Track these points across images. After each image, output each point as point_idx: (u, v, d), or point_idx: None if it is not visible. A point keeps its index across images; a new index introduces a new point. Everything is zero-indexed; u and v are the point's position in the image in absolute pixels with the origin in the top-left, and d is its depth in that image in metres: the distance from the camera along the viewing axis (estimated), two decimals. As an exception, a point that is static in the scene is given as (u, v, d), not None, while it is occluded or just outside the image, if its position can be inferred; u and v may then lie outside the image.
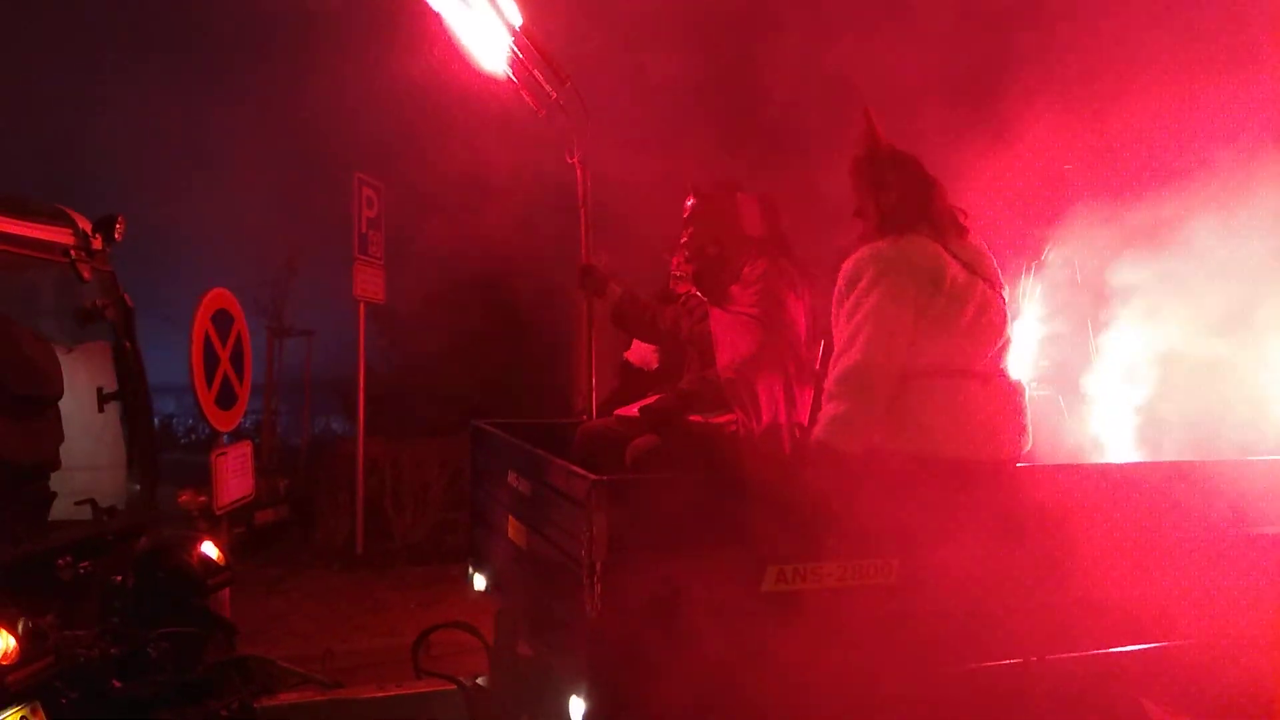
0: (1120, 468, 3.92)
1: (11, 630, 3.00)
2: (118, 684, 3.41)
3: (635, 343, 4.84)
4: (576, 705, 3.04)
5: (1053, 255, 4.29)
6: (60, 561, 3.50)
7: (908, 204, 3.27)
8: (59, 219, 3.80)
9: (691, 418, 3.64)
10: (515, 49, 3.97)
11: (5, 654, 2.97)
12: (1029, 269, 4.36)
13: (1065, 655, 3.31)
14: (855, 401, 3.18)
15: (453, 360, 8.46)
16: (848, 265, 3.30)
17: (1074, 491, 3.29)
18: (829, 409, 3.23)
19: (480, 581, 4.33)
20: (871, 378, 3.17)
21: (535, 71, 4.01)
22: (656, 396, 3.88)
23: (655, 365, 4.79)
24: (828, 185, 3.50)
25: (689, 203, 3.93)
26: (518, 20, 3.93)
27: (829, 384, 3.27)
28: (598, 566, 2.91)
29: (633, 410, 3.83)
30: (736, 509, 3.03)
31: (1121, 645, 3.38)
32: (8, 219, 3.56)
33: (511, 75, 4.01)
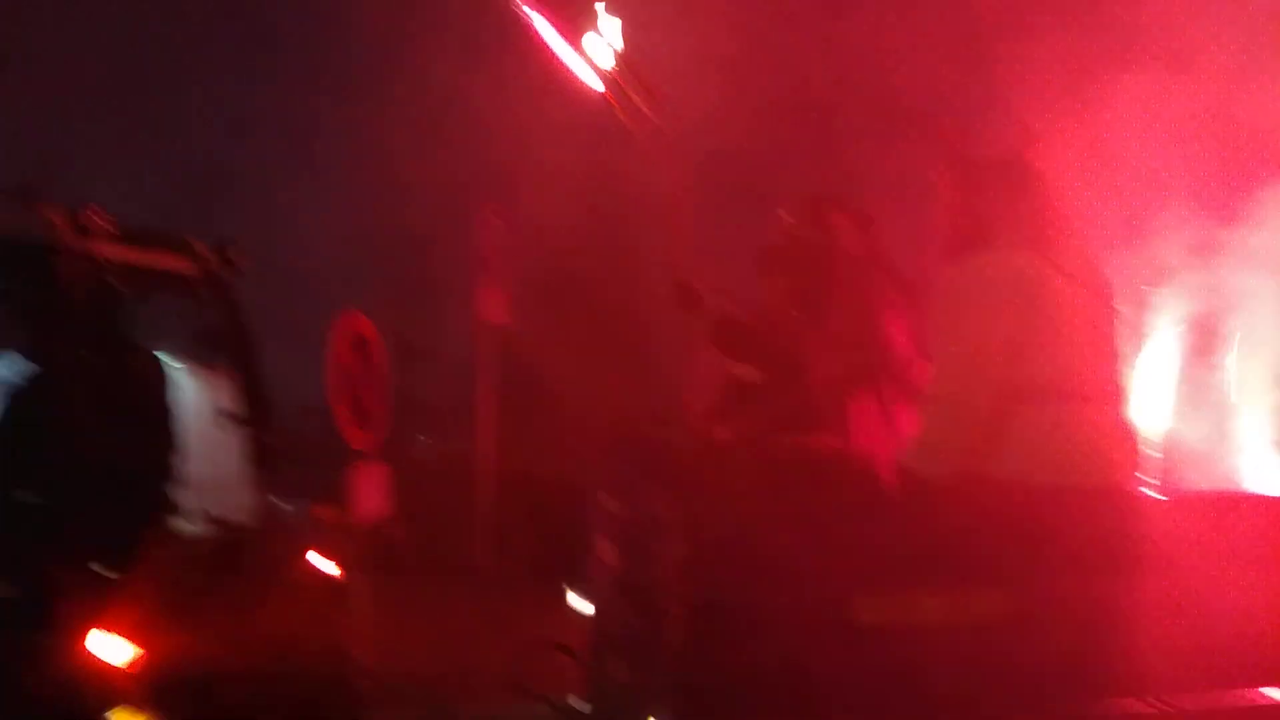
0: (1252, 497, 3.56)
1: (132, 633, 3.19)
2: (230, 691, 3.57)
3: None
4: (661, 734, 2.99)
5: (1181, 265, 3.97)
6: (180, 571, 3.70)
7: (1006, 212, 3.09)
8: (184, 247, 4.05)
9: (781, 440, 3.55)
10: (613, 73, 4.01)
11: (125, 658, 3.16)
12: (1153, 281, 4.05)
13: (1192, 702, 3.01)
14: (947, 423, 3.02)
15: (575, 378, 8.60)
16: (943, 279, 3.16)
17: (1200, 521, 3.01)
18: (921, 431, 3.10)
19: (580, 601, 4.33)
20: (965, 398, 3.01)
21: (632, 93, 4.04)
22: (749, 416, 3.82)
23: (759, 380, 4.71)
24: (923, 196, 3.36)
25: (781, 216, 3.86)
26: (616, 46, 3.97)
27: (921, 405, 3.14)
28: (677, 592, 2.86)
29: (721, 431, 3.77)
30: (827, 535, 2.92)
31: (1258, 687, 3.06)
32: (137, 249, 3.82)
33: (609, 95, 4.05)
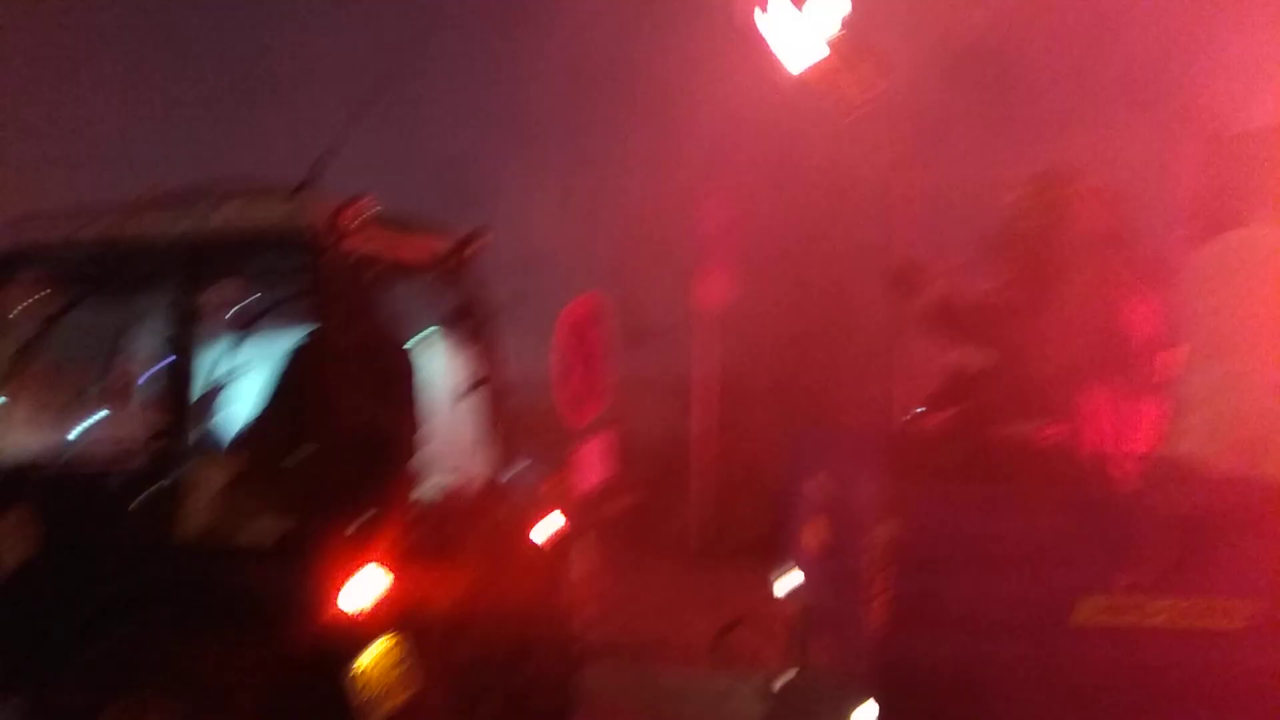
0: None
1: (383, 576, 3.57)
2: (464, 635, 3.92)
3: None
4: (864, 715, 2.99)
5: None
6: (422, 525, 4.09)
7: (1259, 190, 2.81)
8: (435, 234, 4.44)
9: (1000, 429, 3.40)
10: (831, 51, 3.97)
11: (378, 596, 3.54)
12: None
13: None
14: (1208, 417, 2.80)
15: (795, 360, 8.58)
16: (1192, 262, 2.92)
17: None
18: (1176, 423, 2.88)
19: (788, 581, 4.38)
20: (1224, 390, 2.78)
21: (848, 74, 3.98)
22: (968, 404, 3.68)
23: (982, 367, 4.52)
24: (1172, 176, 3.11)
25: (1012, 195, 3.68)
26: (836, 25, 3.93)
27: (1173, 396, 2.92)
28: (884, 576, 2.85)
29: (936, 419, 3.67)
30: (1049, 529, 2.80)
31: None
32: (396, 236, 4.23)
33: (826, 76, 4.01)
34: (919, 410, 4.27)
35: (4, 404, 4.31)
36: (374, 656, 3.48)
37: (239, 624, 3.42)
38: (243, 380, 4.73)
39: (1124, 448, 3.22)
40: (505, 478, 4.75)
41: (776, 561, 4.53)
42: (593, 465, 7.12)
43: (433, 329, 4.73)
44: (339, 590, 3.42)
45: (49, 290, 4.43)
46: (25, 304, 4.31)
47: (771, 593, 4.50)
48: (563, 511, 5.69)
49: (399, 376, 4.30)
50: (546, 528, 4.71)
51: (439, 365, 4.59)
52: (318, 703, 3.42)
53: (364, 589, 3.46)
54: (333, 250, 3.75)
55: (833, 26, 3.85)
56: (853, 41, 3.78)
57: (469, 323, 4.63)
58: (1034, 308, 3.53)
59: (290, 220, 3.73)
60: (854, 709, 3.00)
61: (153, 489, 3.77)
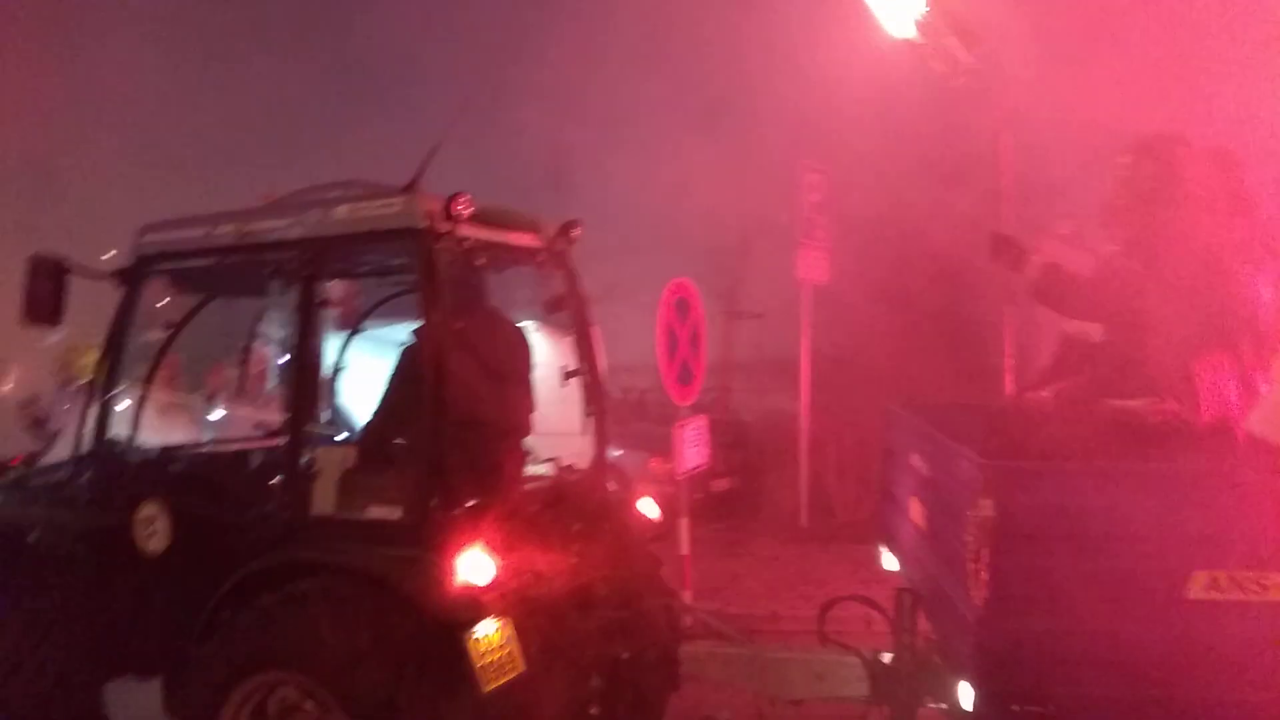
0: None
1: (493, 557, 3.72)
2: (568, 614, 4.06)
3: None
4: (965, 692, 2.99)
5: None
6: (530, 509, 4.24)
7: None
8: (532, 226, 4.56)
9: (1111, 403, 3.32)
10: (927, 11, 3.89)
11: (488, 576, 3.69)
12: None
13: None
14: None
15: (896, 338, 8.45)
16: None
17: None
18: None
19: (890, 560, 4.37)
20: None
21: (948, 37, 3.90)
22: (1081, 378, 3.59)
23: (1097, 339, 4.39)
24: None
25: (1123, 160, 3.55)
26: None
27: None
28: (985, 553, 2.83)
29: (1046, 393, 3.59)
30: (1161, 504, 2.74)
31: None
32: (497, 228, 4.37)
33: (924, 39, 3.93)
34: (1028, 385, 4.19)
35: (145, 397, 4.65)
36: (486, 634, 3.63)
37: (362, 600, 3.62)
38: (363, 370, 4.98)
39: (1239, 422, 3.10)
40: (610, 460, 4.85)
41: (882, 540, 4.52)
42: (697, 446, 7.21)
43: (536, 316, 4.88)
44: (453, 570, 3.58)
45: (184, 290, 4.76)
46: (163, 303, 4.65)
47: (876, 572, 4.49)
48: (667, 491, 5.78)
49: (507, 363, 4.45)
50: (651, 508, 4.80)
51: (543, 352, 4.73)
52: (435, 676, 3.58)
53: (476, 569, 3.61)
54: (440, 243, 3.91)
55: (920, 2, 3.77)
56: (945, 11, 3.70)
57: (570, 309, 4.75)
58: (1148, 276, 3.40)
59: (400, 217, 3.91)
60: (957, 684, 3.00)
61: (283, 474, 4.03)
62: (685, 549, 6.82)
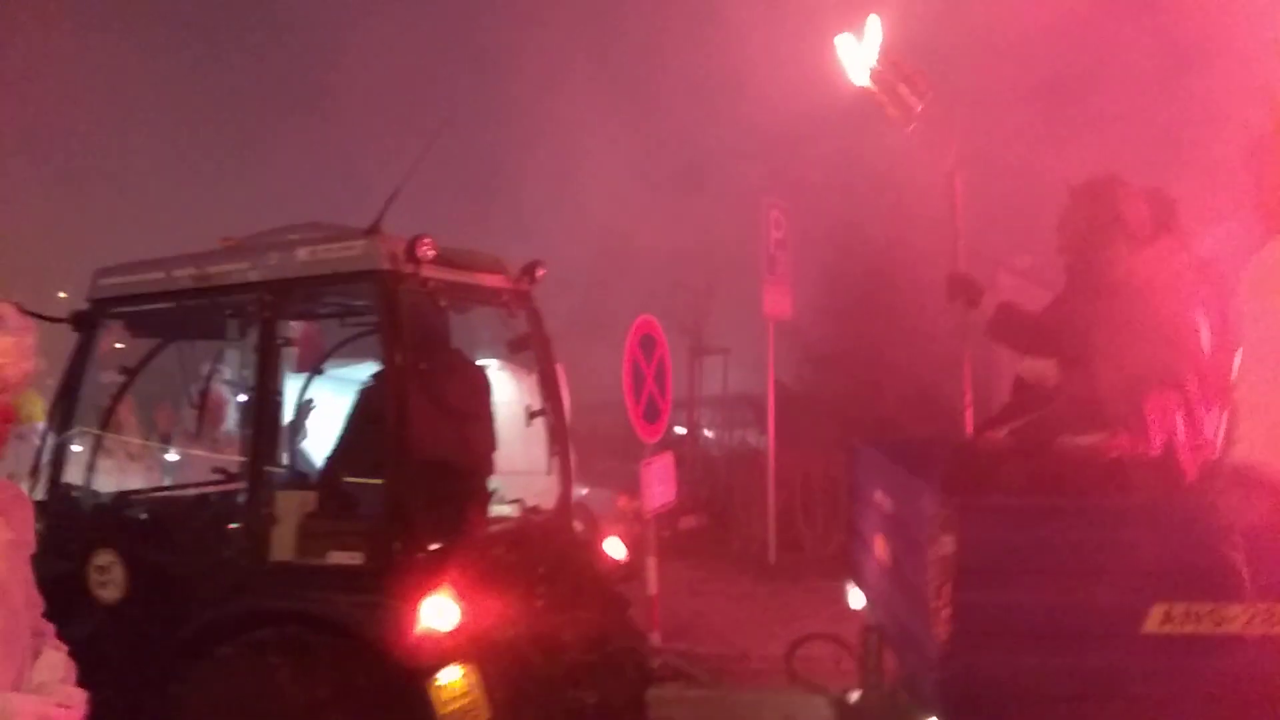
0: None
1: (458, 601, 3.68)
2: (535, 659, 4.02)
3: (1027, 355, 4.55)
4: (931, 732, 2.99)
5: None
6: (494, 550, 4.21)
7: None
8: (495, 267, 4.58)
9: (1063, 440, 3.36)
10: (878, 65, 3.98)
11: (453, 621, 3.65)
12: None
13: None
14: (1266, 422, 2.75)
15: (857, 374, 8.54)
16: (1252, 265, 2.86)
17: None
18: (1251, 427, 2.82)
19: (857, 597, 4.37)
20: None
21: (899, 86, 3.98)
22: (1032, 416, 3.64)
23: (1045, 378, 4.46)
24: (1224, 177, 3.06)
25: (1066, 199, 3.64)
26: (878, 38, 3.95)
27: (1246, 399, 2.86)
28: (946, 589, 2.84)
29: (1001, 431, 3.64)
30: (1115, 538, 2.78)
31: None
32: (460, 269, 4.38)
33: (877, 89, 4.02)
34: (985, 424, 4.24)
35: (100, 442, 4.57)
36: (450, 681, 3.58)
37: (323, 649, 3.57)
38: (323, 412, 4.94)
39: (1188, 455, 3.16)
40: (576, 499, 4.84)
41: (849, 577, 4.52)
42: (664, 483, 7.19)
43: (498, 357, 4.87)
44: (415, 615, 3.53)
45: (140, 333, 4.70)
46: (117, 347, 4.59)
47: (845, 608, 4.49)
48: (633, 530, 5.76)
49: (469, 404, 4.44)
50: (618, 548, 4.79)
51: (505, 393, 4.72)
52: (398, 721, 3.53)
53: (440, 614, 3.57)
54: (403, 285, 3.91)
55: (876, 39, 3.86)
56: (894, 62, 3.80)
57: (534, 349, 4.76)
58: (1092, 314, 3.48)
59: (362, 259, 3.90)
60: (923, 724, 3.00)
61: (241, 519, 3.97)
62: (653, 589, 6.78)
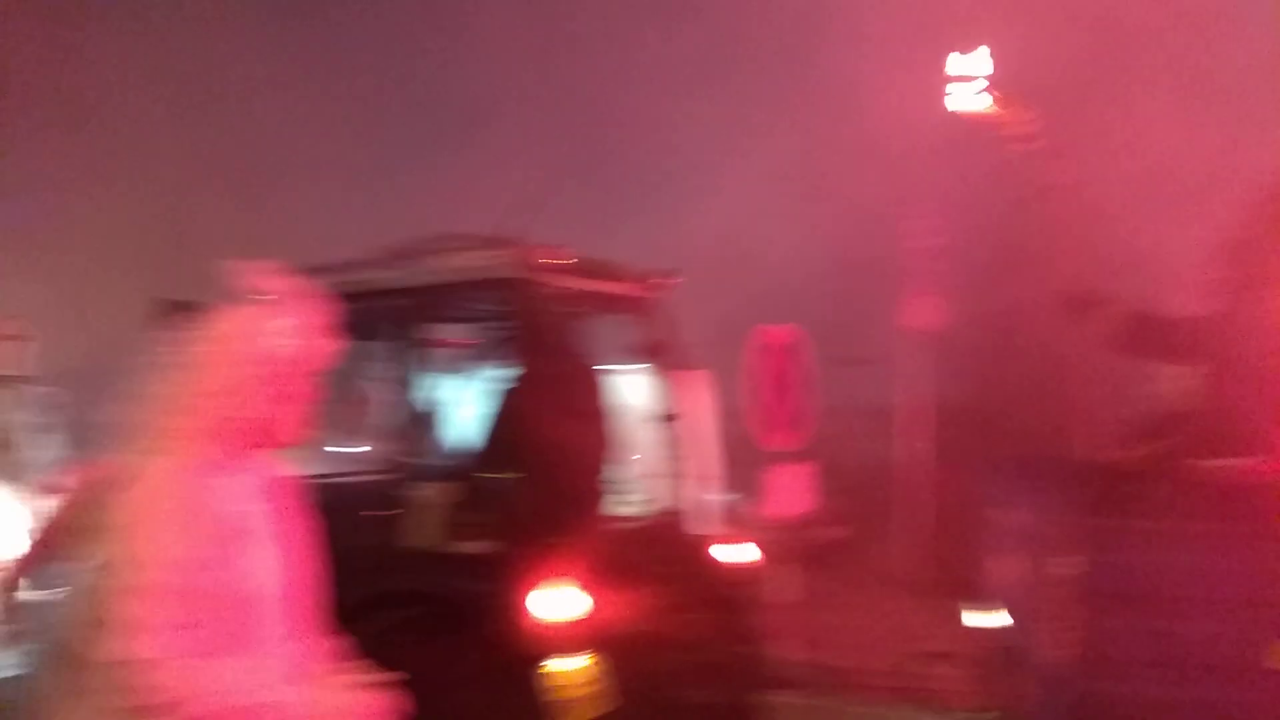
0: None
1: (584, 593, 3.83)
2: (658, 654, 4.11)
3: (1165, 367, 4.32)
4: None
5: None
6: (622, 547, 4.34)
7: None
8: (628, 275, 4.74)
9: (1196, 461, 3.20)
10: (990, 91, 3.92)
11: (579, 612, 3.81)
12: None
13: None
14: None
15: (1004, 386, 8.23)
16: None
17: None
18: None
19: (982, 616, 4.25)
20: None
21: (1005, 111, 3.91)
22: (1170, 435, 3.47)
23: (1187, 396, 4.22)
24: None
25: (1244, 206, 3.47)
26: (987, 69, 3.89)
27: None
28: (1074, 612, 2.78)
29: (1137, 450, 3.49)
30: (1242, 567, 2.64)
31: None
32: (594, 278, 4.57)
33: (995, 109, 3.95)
34: (1122, 444, 4.05)
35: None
36: (574, 668, 3.73)
37: (452, 632, 3.79)
38: (463, 411, 5.22)
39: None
40: (700, 504, 4.92)
41: (983, 595, 4.40)
42: (792, 493, 7.15)
43: (628, 362, 5.02)
44: (541, 603, 3.71)
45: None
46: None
47: (964, 626, 4.38)
48: (759, 538, 5.76)
49: (597, 408, 4.60)
50: (740, 554, 4.83)
51: (639, 397, 4.87)
52: (523, 709, 3.70)
53: (566, 604, 3.73)
54: (539, 292, 4.12)
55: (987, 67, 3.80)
56: (1007, 85, 3.73)
57: (666, 354, 4.88)
58: (1250, 323, 3.29)
59: (503, 267, 4.14)
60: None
61: (385, 507, 4.26)
62: (786, 597, 6.76)
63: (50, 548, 1.98)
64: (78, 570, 1.79)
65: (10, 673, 5.76)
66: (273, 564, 1.89)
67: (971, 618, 4.23)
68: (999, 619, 4.05)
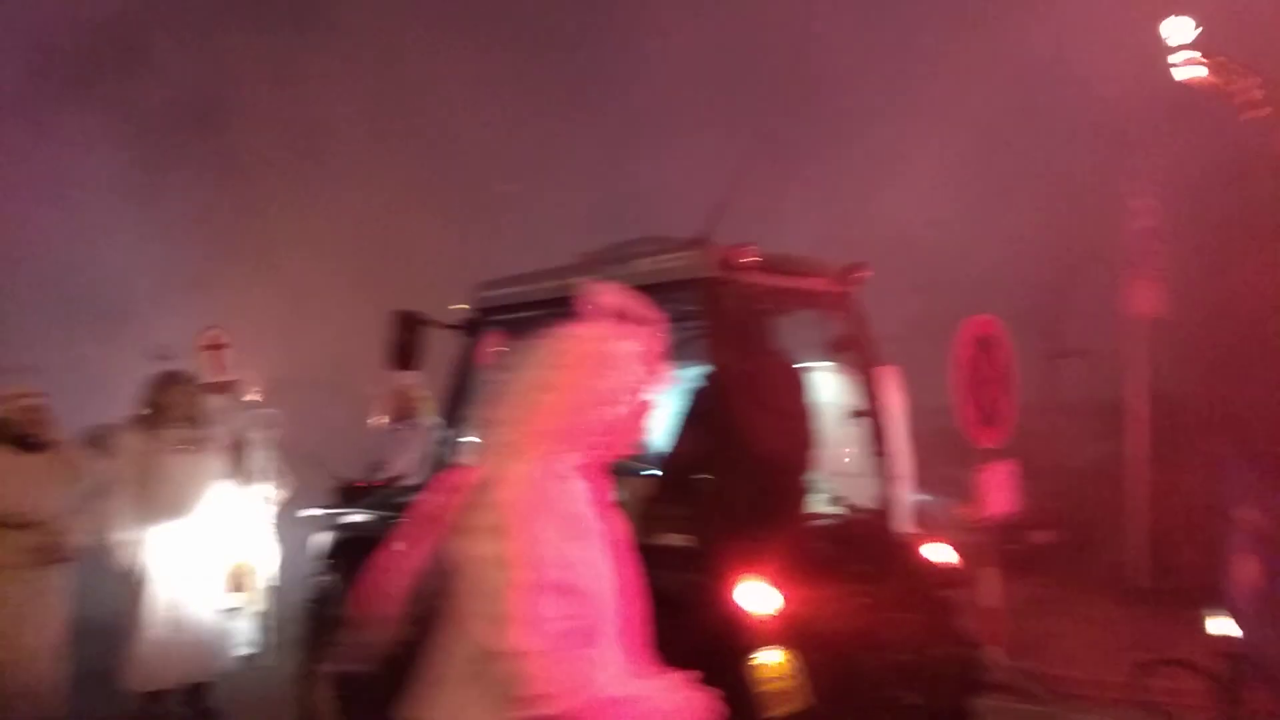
0: None
1: (777, 588, 3.84)
2: (855, 653, 4.06)
3: None
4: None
5: None
6: (816, 544, 4.32)
7: None
8: (817, 270, 4.71)
9: None
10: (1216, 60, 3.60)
11: (773, 606, 3.82)
12: None
13: None
14: None
15: (1237, 379, 7.49)
16: None
17: None
18: None
19: (1220, 623, 3.91)
20: None
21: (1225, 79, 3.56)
22: None
23: None
24: None
25: None
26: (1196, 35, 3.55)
27: None
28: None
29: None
30: None
31: None
32: (783, 274, 4.57)
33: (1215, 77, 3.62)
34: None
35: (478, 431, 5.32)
36: (772, 662, 3.74)
37: (651, 620, 3.88)
38: (664, 409, 5.35)
39: None
40: (907, 502, 4.81)
41: (1213, 601, 4.07)
42: (1004, 492, 6.82)
43: (822, 359, 4.98)
44: (740, 597, 3.75)
45: (513, 338, 5.42)
46: (492, 354, 5.33)
47: (1206, 634, 4.05)
48: (972, 539, 5.55)
49: (794, 405, 4.59)
50: (946, 553, 4.68)
51: (830, 394, 4.82)
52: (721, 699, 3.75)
53: (759, 597, 3.76)
54: (728, 290, 4.17)
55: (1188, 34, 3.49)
56: (1227, 52, 3.41)
57: (858, 350, 4.80)
58: None
59: (692, 268, 4.22)
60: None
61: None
62: (994, 601, 6.46)
63: (437, 548, 2.12)
64: (466, 567, 1.94)
65: (248, 651, 6.44)
66: (608, 564, 2.05)
67: (1213, 624, 3.91)
68: (1231, 626, 3.72)
